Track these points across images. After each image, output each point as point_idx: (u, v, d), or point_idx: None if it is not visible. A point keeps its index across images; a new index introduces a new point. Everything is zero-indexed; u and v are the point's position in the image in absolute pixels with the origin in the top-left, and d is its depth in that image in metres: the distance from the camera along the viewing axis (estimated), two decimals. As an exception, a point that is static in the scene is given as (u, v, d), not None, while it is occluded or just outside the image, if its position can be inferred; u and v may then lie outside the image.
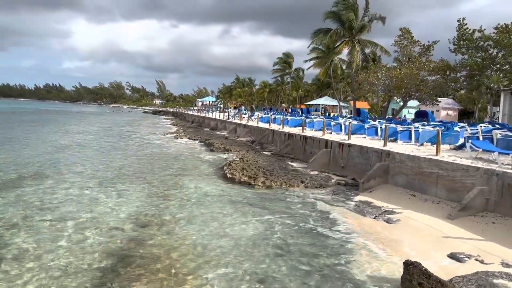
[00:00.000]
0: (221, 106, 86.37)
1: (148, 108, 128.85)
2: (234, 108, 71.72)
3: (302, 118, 27.41)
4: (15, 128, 33.82)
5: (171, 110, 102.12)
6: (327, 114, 46.46)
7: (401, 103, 37.59)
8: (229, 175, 14.26)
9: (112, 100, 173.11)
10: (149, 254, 7.08)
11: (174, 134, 32.91)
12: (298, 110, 52.38)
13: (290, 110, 53.45)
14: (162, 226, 8.67)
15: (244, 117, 39.46)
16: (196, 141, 28.40)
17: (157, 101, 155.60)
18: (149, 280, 6.05)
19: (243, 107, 63.91)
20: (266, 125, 28.98)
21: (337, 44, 36.95)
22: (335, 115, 39.55)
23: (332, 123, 21.99)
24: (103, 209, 9.79)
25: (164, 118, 71.80)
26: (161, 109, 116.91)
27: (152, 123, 54.29)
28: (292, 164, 17.68)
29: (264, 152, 21.47)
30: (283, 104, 68.20)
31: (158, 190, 12.16)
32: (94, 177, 13.72)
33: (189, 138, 30.27)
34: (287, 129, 24.24)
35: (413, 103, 44.34)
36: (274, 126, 27.20)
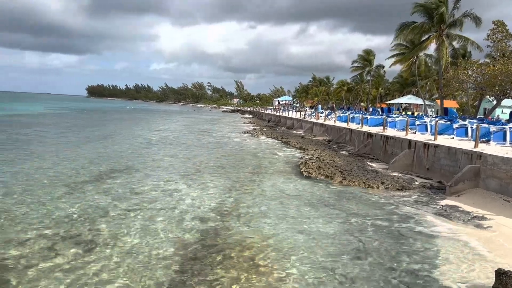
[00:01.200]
0: (297, 105, 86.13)
1: (227, 107, 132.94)
2: (311, 107, 71.12)
3: (383, 117, 26.32)
4: (108, 126, 36.98)
5: (249, 109, 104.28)
6: (410, 113, 44.08)
7: (494, 102, 34.36)
8: (305, 173, 14.18)
9: (195, 100, 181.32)
10: (227, 244, 7.30)
11: (252, 133, 33.55)
12: (378, 109, 50.39)
13: (370, 109, 51.64)
14: (240, 219, 8.89)
15: (321, 116, 38.97)
16: (273, 140, 28.67)
17: (236, 101, 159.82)
18: (227, 269, 6.24)
19: (320, 106, 63.09)
20: (343, 124, 28.33)
21: (423, 39, 34.83)
22: (420, 114, 37.37)
23: (417, 123, 20.80)
24: (185, 200, 10.31)
25: (242, 117, 73.55)
26: (239, 108, 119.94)
27: (230, 121, 55.92)
28: (371, 164, 17.08)
29: (341, 152, 21.02)
30: (361, 103, 66.10)
31: (236, 185, 12.49)
32: (177, 171, 14.50)
33: (266, 137, 30.66)
34: (366, 128, 23.47)
35: (508, 102, 40.31)
36: (352, 125, 26.48)
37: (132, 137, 26.30)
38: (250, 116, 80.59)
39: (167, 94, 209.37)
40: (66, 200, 9.71)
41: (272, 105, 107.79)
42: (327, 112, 43.76)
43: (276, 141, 27.76)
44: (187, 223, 8.47)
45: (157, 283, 5.72)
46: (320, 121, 34.73)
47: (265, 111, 75.13)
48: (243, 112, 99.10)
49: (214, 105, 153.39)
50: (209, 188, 11.84)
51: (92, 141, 22.61)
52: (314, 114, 42.85)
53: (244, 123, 53.11)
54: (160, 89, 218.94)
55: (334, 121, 32.20)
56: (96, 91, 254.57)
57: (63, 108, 73.16)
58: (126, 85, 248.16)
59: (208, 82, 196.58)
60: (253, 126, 45.94)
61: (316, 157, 17.63)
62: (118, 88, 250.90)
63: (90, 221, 8.23)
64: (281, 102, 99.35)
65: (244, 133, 33.52)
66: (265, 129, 38.59)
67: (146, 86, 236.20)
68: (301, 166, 15.51)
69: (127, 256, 6.57)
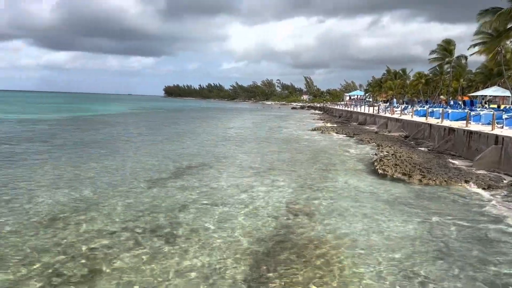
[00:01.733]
0: (370, 100, 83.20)
1: (296, 104, 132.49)
2: (384, 101, 68.31)
3: (465, 110, 24.47)
4: (184, 124, 38.71)
5: (318, 105, 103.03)
6: (495, 106, 40.47)
7: None
8: (380, 171, 13.65)
9: (264, 98, 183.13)
10: (301, 242, 7.27)
11: (322, 129, 33.08)
12: (460, 102, 46.94)
13: (450, 102, 48.29)
14: (313, 217, 8.80)
15: (396, 111, 37.27)
16: (344, 136, 28.00)
17: (305, 97, 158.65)
18: (301, 267, 6.20)
19: (395, 100, 60.32)
20: (421, 119, 26.82)
21: (510, 25, 31.69)
22: (507, 107, 34.18)
23: (504, 116, 19.06)
24: (257, 196, 10.44)
25: (311, 113, 72.86)
26: (309, 104, 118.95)
27: (300, 118, 55.65)
28: (453, 161, 15.98)
29: (419, 148, 19.92)
30: (441, 96, 62.04)
31: (307, 182, 12.39)
32: (250, 167, 14.74)
33: (336, 133, 30.04)
34: (447, 123, 21.99)
35: None
36: (431, 120, 24.97)
37: (206, 135, 27.26)
38: (320, 112, 79.55)
39: (238, 92, 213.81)
40: (147, 195, 10.32)
41: (342, 100, 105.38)
42: (402, 106, 41.73)
43: (348, 137, 27.08)
44: (261, 219, 8.57)
45: (233, 277, 5.86)
46: (396, 116, 33.22)
47: (336, 107, 73.68)
48: (313, 108, 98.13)
49: (284, 102, 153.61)
50: (281, 185, 11.88)
51: (170, 139, 23.81)
52: (389, 108, 41.09)
53: (314, 119, 52.56)
54: (231, 88, 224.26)
55: (411, 115, 30.62)
56: (172, 91, 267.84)
57: (143, 108, 77.98)
58: (200, 85, 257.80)
59: (278, 79, 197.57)
60: (323, 122, 45.28)
61: (392, 154, 16.89)
62: (192, 88, 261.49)
63: (170, 215, 8.66)
64: (352, 97, 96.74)
65: (314, 129, 33.16)
66: (335, 125, 37.83)
67: (218, 85, 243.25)
68: (375, 164, 14.96)
69: (204, 249, 6.81)
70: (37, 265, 6.02)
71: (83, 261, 6.22)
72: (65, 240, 7.02)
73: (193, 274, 5.90)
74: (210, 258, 6.45)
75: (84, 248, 6.72)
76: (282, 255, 6.66)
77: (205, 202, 9.79)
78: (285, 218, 8.69)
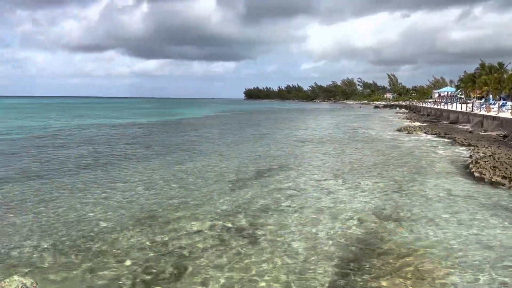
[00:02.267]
0: (462, 96, 76.94)
1: (379, 102, 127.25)
2: (479, 98, 62.71)
3: None
4: (263, 125, 39.24)
5: (404, 103, 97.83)
6: None
7: None
8: (476, 174, 12.51)
9: (344, 97, 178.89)
10: (388, 249, 6.89)
11: (408, 129, 31.31)
12: None
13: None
14: (401, 222, 8.31)
15: (492, 108, 34.00)
16: (434, 136, 26.22)
17: (389, 95, 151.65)
18: (389, 275, 5.87)
19: (491, 96, 55.09)
20: (524, 117, 24.10)
21: None
22: None
23: None
24: (340, 199, 10.16)
25: (396, 112, 69.47)
26: (393, 103, 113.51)
27: (383, 117, 53.35)
28: None
29: (522, 149, 17.92)
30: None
31: (394, 185, 11.78)
32: (330, 169, 14.44)
33: (425, 133, 28.23)
34: (556, 120, 19.50)
35: None
36: (537, 117, 22.31)
37: (285, 136, 27.32)
38: (406, 110, 75.52)
39: (317, 93, 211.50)
40: (231, 196, 10.59)
41: (431, 97, 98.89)
42: (500, 103, 37.95)
43: (438, 137, 25.31)
44: (344, 223, 8.31)
45: (316, 283, 5.73)
46: (492, 113, 30.31)
47: (423, 105, 69.37)
48: (397, 106, 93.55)
49: (365, 101, 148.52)
50: (364, 188, 11.44)
51: (250, 140, 24.29)
52: (484, 105, 37.63)
53: (399, 118, 50.04)
54: (310, 88, 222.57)
55: (511, 113, 27.69)
56: (252, 94, 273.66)
57: (225, 111, 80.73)
58: (279, 86, 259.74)
59: (359, 78, 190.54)
60: (409, 121, 42.92)
61: (489, 155, 15.40)
62: (272, 89, 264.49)
63: (252, 216, 8.78)
64: (442, 94, 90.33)
65: (400, 129, 31.51)
66: (424, 125, 35.58)
67: (296, 86, 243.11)
68: (470, 166, 13.75)
69: (286, 252, 6.77)
70: (129, 261, 6.45)
71: (172, 258, 6.54)
72: (155, 238, 7.45)
73: (275, 277, 5.88)
74: (293, 262, 6.39)
75: (172, 246, 7.07)
76: (368, 262, 6.37)
77: (286, 204, 9.77)
78: (370, 223, 8.33)
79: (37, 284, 4.34)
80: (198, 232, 7.79)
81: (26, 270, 5.97)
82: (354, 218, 8.65)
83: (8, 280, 4.20)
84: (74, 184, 11.88)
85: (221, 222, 8.35)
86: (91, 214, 8.90)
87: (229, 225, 8.20)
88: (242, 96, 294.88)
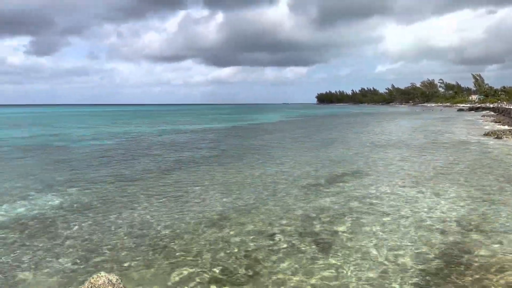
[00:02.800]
0: None
1: (463, 105, 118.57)
2: None
3: None
4: (336, 129, 38.49)
5: (492, 105, 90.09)
6: None
7: None
8: None
9: (424, 99, 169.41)
10: (476, 264, 6.32)
11: (497, 133, 28.70)
12: None
13: None
14: (491, 235, 7.60)
15: None
16: (528, 140, 23.73)
17: (474, 97, 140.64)
18: (477, 293, 5.39)
19: None
20: None
21: None
22: None
23: None
24: (420, 208, 9.58)
25: (482, 115, 64.11)
26: (479, 105, 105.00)
27: (468, 120, 49.52)
28: None
29: None
30: None
31: (481, 194, 10.84)
32: (410, 176, 13.71)
33: (517, 137, 25.67)
34: None
35: None
36: None
37: (359, 140, 26.50)
38: (493, 113, 69.41)
39: (394, 95, 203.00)
40: (303, 200, 10.49)
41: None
42: None
43: (533, 142, 22.87)
44: (425, 233, 7.81)
45: (394, 294, 5.44)
46: None
47: (515, 107, 63.22)
48: (484, 109, 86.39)
49: (448, 104, 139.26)
50: (447, 197, 10.67)
51: (323, 145, 23.92)
52: None
53: (486, 121, 46.13)
54: (387, 91, 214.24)
55: None
56: (325, 98, 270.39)
57: (297, 116, 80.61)
58: (352, 90, 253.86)
59: (440, 79, 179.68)
60: (497, 125, 39.39)
61: None
62: (345, 93, 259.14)
63: (325, 222, 8.61)
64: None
65: (487, 134, 29.00)
66: (515, 128, 32.38)
67: (372, 89, 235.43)
68: None
69: (362, 262, 6.52)
70: (205, 261, 6.64)
71: (245, 260, 6.63)
72: (229, 240, 7.61)
73: (347, 286, 5.68)
74: (369, 273, 6.12)
75: (245, 248, 7.16)
76: (454, 278, 5.89)
77: (361, 211, 9.44)
78: (455, 234, 7.73)
79: (121, 280, 4.63)
80: (271, 235, 7.81)
81: (112, 267, 6.43)
82: (436, 228, 8.10)
83: (96, 276, 4.54)
84: (155, 186, 12.59)
85: (293, 227, 8.30)
86: (168, 215, 9.35)
87: (302, 230, 8.11)
88: (314, 100, 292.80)
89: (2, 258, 6.85)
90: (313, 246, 7.21)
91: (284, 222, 8.68)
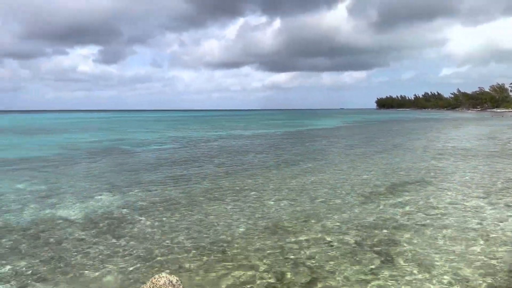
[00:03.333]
0: None
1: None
2: None
3: None
4: (396, 136, 37.02)
5: None
6: None
7: None
8: None
9: (494, 105, 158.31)
10: (556, 285, 5.76)
11: None
12: None
13: None
14: None
15: None
16: None
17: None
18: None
19: None
20: None
21: None
22: None
23: None
24: (490, 220, 8.92)
25: None
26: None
27: (546, 127, 45.45)
28: None
29: None
30: None
31: (562, 208, 9.87)
32: (478, 186, 12.83)
33: None
34: None
35: None
36: None
37: (423, 147, 25.28)
38: None
39: (460, 100, 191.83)
40: (362, 209, 10.19)
41: None
42: None
43: None
44: (496, 250, 7.24)
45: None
46: None
47: None
48: None
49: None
50: (522, 209, 9.84)
51: (383, 151, 23.12)
52: None
53: None
54: (452, 95, 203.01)
55: None
56: (385, 103, 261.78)
57: (356, 121, 78.75)
58: (415, 95, 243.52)
59: (511, 83, 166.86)
60: None
61: None
62: (407, 98, 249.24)
63: (386, 232, 8.29)
64: None
65: None
66: None
67: (436, 93, 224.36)
68: None
69: (425, 273, 6.18)
70: (262, 266, 6.65)
71: (302, 267, 6.55)
72: (285, 246, 7.56)
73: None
74: (432, 286, 5.79)
75: (301, 255, 7.08)
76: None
77: (423, 222, 8.97)
78: (530, 251, 7.10)
79: (181, 282, 4.76)
80: (328, 243, 7.66)
81: (170, 267, 6.65)
82: (505, 241, 7.49)
83: (157, 276, 4.71)
84: (213, 189, 12.87)
85: (351, 236, 8.08)
86: (226, 218, 9.50)
87: (360, 239, 7.87)
88: (373, 105, 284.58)
89: (71, 253, 7.35)
90: (372, 257, 6.96)
91: (342, 230, 8.48)
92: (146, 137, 37.65)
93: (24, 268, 6.72)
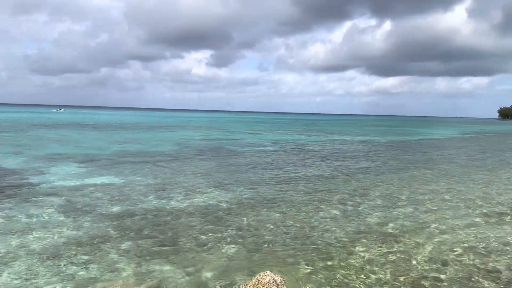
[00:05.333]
0: None
1: None
2: None
3: None
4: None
5: None
6: None
7: None
8: None
9: None
10: None
11: None
12: None
13: None
14: None
15: None
16: None
17: None
18: None
19: None
20: None
21: None
22: None
23: None
24: None
25: None
26: None
27: None
28: None
29: None
30: None
31: None
32: None
33: None
34: None
35: None
36: None
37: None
38: None
39: None
40: (482, 229, 9.19)
41: None
42: None
43: None
44: None
45: None
46: None
47: None
48: None
49: None
50: None
51: (508, 165, 20.57)
52: None
53: None
54: None
55: None
56: (509, 113, 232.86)
57: (475, 132, 71.33)
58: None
59: None
60: None
61: None
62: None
63: (509, 259, 7.35)
64: None
65: None
66: None
67: None
68: None
69: None
70: (362, 273, 6.39)
71: (409, 285, 6.14)
72: (390, 258, 7.16)
73: None
74: None
75: (412, 271, 6.63)
76: None
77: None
78: None
79: (284, 282, 4.81)
80: (443, 262, 7.05)
81: (272, 263, 6.80)
82: None
83: (263, 273, 4.83)
84: (313, 191, 12.78)
85: (469, 258, 7.32)
86: (328, 220, 9.35)
87: (479, 263, 7.09)
88: (495, 115, 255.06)
89: (186, 238, 7.98)
90: (492, 285, 6.21)
91: (458, 251, 7.73)
92: (251, 138, 38.98)
93: (144, 245, 7.61)
